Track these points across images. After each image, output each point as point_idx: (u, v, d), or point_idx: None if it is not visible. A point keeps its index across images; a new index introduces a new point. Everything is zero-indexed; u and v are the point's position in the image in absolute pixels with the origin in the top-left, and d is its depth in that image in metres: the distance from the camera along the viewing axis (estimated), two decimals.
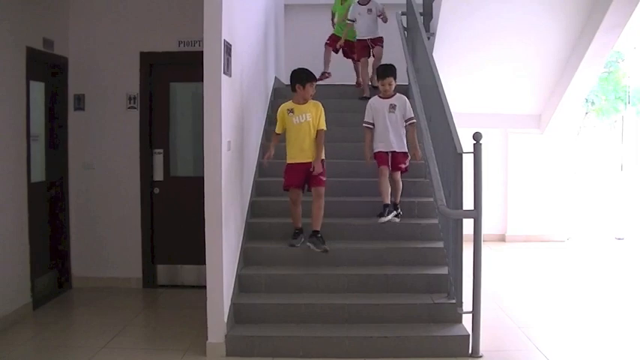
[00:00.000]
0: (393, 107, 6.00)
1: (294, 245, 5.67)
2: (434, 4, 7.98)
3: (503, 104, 9.37)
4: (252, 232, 5.94)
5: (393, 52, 7.81)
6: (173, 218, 6.85)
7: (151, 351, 5.10)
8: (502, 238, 9.92)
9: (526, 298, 6.71)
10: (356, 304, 5.20)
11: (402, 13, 8.22)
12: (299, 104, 5.66)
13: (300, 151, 5.61)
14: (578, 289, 7.13)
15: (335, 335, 4.92)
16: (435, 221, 5.97)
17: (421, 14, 7.97)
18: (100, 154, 6.85)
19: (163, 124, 6.90)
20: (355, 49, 8.02)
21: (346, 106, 7.47)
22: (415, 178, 6.39)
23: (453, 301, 5.12)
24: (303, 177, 5.62)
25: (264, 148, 6.77)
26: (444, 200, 5.20)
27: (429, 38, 7.57)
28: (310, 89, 5.64)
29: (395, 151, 5.98)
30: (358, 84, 8.15)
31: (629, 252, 9.32)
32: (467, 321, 4.98)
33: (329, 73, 8.21)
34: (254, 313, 5.19)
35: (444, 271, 5.44)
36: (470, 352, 4.86)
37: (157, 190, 6.88)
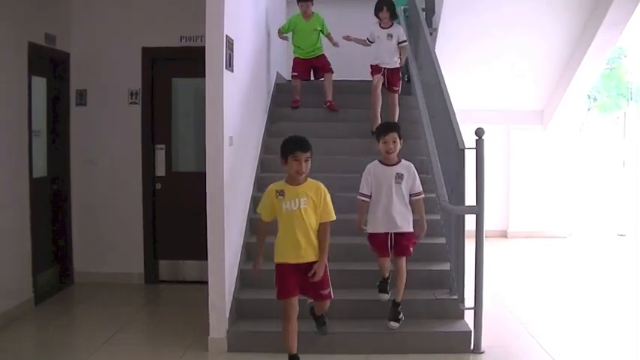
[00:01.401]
0: (399, 177, 4.82)
1: None
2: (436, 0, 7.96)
3: (505, 100, 9.37)
4: (254, 228, 5.91)
5: None
6: (175, 214, 6.85)
7: (153, 346, 5.11)
8: (504, 234, 9.92)
9: (528, 294, 6.70)
10: (358, 299, 5.20)
11: (405, 9, 8.20)
12: (291, 185, 4.32)
13: (293, 248, 4.29)
14: (580, 285, 7.12)
15: (337, 331, 4.91)
16: (437, 217, 5.96)
17: (423, 10, 7.95)
18: (101, 149, 6.85)
19: (165, 120, 6.89)
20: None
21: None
22: (418, 174, 6.36)
23: (455, 297, 5.12)
24: (298, 281, 4.32)
25: (265, 144, 6.77)
26: (447, 196, 5.20)
27: (431, 34, 7.57)
28: (295, 165, 4.19)
29: (399, 232, 4.86)
30: (327, 103, 7.32)
31: (631, 248, 9.30)
32: (469, 317, 4.98)
33: (299, 101, 7.37)
34: (256, 308, 5.18)
35: (446, 267, 5.44)
36: (472, 348, 4.85)
37: (158, 186, 6.88)
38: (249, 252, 5.65)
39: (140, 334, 5.49)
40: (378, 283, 5.08)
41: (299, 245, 4.27)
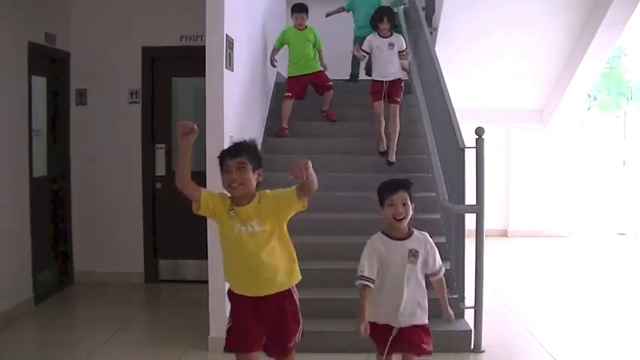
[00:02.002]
0: (413, 255, 3.58)
1: None
2: None
3: (505, 99, 9.37)
4: None
5: None
6: (175, 213, 6.81)
7: (153, 346, 5.11)
8: (504, 234, 9.92)
9: (528, 293, 6.70)
10: (357, 298, 5.18)
11: (405, 8, 8.20)
12: (238, 205, 3.34)
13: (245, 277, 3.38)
14: (580, 284, 7.12)
15: (337, 330, 4.91)
16: (437, 216, 5.96)
17: (423, 9, 7.95)
18: (101, 148, 6.85)
19: (165, 119, 6.89)
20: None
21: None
22: (417, 172, 6.37)
23: (455, 296, 5.11)
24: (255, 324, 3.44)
25: (265, 143, 6.77)
26: (447, 195, 5.20)
27: (431, 33, 7.57)
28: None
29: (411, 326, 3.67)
30: (324, 112, 7.12)
31: (631, 247, 9.30)
32: (469, 316, 4.98)
33: (287, 129, 6.91)
34: None
35: (446, 266, 5.39)
36: (472, 347, 4.85)
37: (158, 185, 6.88)
38: None
39: (140, 334, 5.49)
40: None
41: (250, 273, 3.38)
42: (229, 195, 3.36)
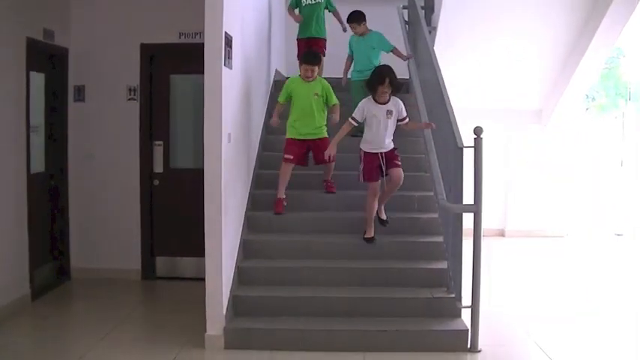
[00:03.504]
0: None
1: None
2: None
3: (504, 99, 9.37)
4: (251, 225, 5.93)
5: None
6: (173, 210, 6.85)
7: (150, 343, 5.09)
8: (502, 233, 9.94)
9: (525, 293, 6.71)
10: (355, 297, 5.20)
11: (404, 7, 8.19)
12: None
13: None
14: (577, 284, 7.13)
15: (334, 329, 4.92)
16: (435, 215, 5.96)
17: (422, 8, 7.94)
18: (99, 145, 6.84)
19: (163, 116, 6.89)
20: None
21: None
22: (415, 172, 6.38)
23: (452, 295, 5.12)
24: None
25: (264, 141, 6.77)
26: (444, 194, 5.19)
27: (430, 32, 7.55)
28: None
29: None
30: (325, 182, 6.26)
31: (629, 248, 9.33)
32: (466, 315, 4.98)
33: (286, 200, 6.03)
34: (253, 305, 5.18)
35: (444, 265, 5.44)
36: (469, 346, 4.85)
37: (156, 182, 6.88)
38: (246, 249, 5.65)
39: (137, 331, 5.48)
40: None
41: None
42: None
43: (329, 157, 5.65)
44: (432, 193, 5.83)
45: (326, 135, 6.00)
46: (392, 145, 5.59)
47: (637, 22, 8.17)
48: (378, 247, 5.65)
